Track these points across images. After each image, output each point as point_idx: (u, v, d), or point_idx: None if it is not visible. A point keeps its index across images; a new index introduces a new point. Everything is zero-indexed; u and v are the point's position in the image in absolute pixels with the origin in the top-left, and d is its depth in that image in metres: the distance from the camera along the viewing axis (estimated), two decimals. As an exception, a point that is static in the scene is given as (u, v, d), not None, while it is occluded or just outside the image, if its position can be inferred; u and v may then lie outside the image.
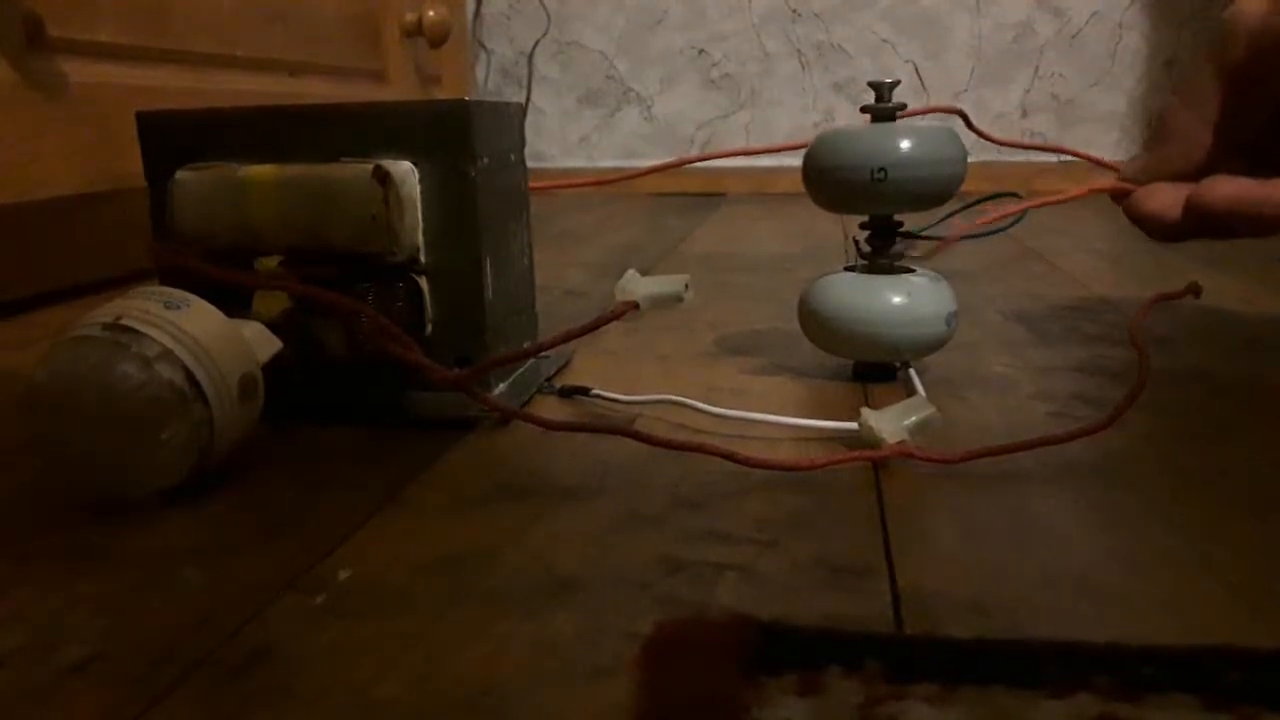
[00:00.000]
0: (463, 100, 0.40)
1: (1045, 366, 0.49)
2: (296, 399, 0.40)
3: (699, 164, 1.65)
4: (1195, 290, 0.59)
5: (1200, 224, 0.44)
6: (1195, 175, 0.45)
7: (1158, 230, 0.46)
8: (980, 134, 0.50)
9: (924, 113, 0.49)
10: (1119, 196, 0.48)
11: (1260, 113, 0.45)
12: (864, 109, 0.46)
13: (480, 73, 1.75)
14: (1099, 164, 0.54)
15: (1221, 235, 0.45)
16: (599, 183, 0.55)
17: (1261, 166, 0.43)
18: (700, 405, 0.41)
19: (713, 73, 1.71)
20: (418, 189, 0.40)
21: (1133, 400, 0.36)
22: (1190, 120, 0.47)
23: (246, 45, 0.93)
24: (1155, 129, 0.48)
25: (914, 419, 0.36)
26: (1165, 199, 0.45)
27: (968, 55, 1.62)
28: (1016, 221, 0.45)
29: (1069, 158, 1.58)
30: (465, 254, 0.41)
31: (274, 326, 0.37)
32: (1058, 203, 0.48)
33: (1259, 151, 0.46)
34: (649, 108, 1.73)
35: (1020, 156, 1.64)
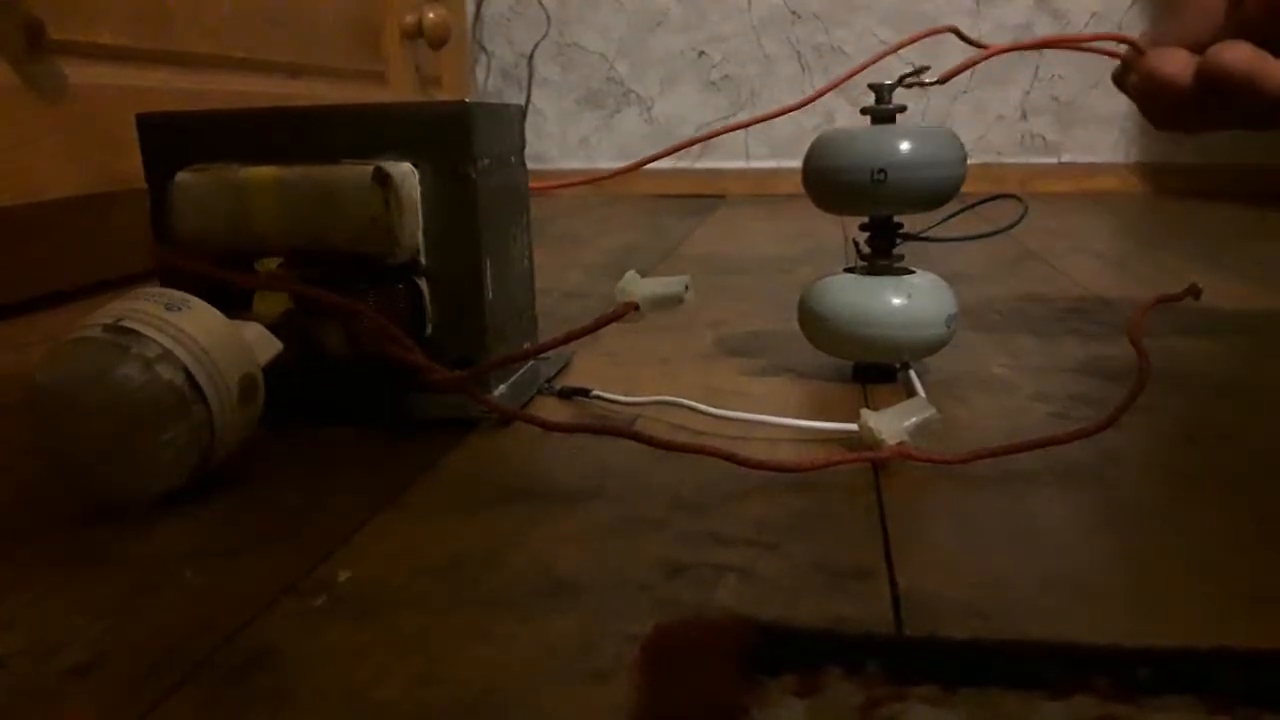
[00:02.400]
0: (463, 102, 0.40)
1: (1045, 367, 0.49)
2: (297, 400, 0.40)
3: (698, 166, 1.64)
4: (1195, 292, 0.59)
5: (1211, 91, 0.42)
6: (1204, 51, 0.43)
7: (1165, 94, 0.44)
8: (976, 44, 0.49)
9: (918, 39, 0.48)
10: (1123, 72, 0.47)
11: None
12: (864, 110, 0.46)
13: (480, 74, 1.75)
14: (1118, 40, 0.51)
15: (1222, 116, 0.43)
16: (596, 179, 0.55)
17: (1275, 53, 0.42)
18: (700, 407, 0.41)
19: (713, 74, 1.71)
20: (418, 191, 0.40)
21: (1132, 401, 0.36)
22: None
23: (247, 47, 0.93)
24: (1168, 1, 0.47)
25: (914, 420, 0.36)
26: (1178, 61, 0.43)
27: (967, 55, 1.62)
28: (1020, 219, 0.45)
29: (1070, 158, 1.57)
30: (465, 256, 0.41)
31: (274, 328, 0.37)
32: (1070, 46, 0.46)
33: (1273, 38, 0.44)
34: (649, 109, 1.73)
35: (1020, 158, 1.64)
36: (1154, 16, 0.50)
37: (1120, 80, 0.47)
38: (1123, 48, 0.46)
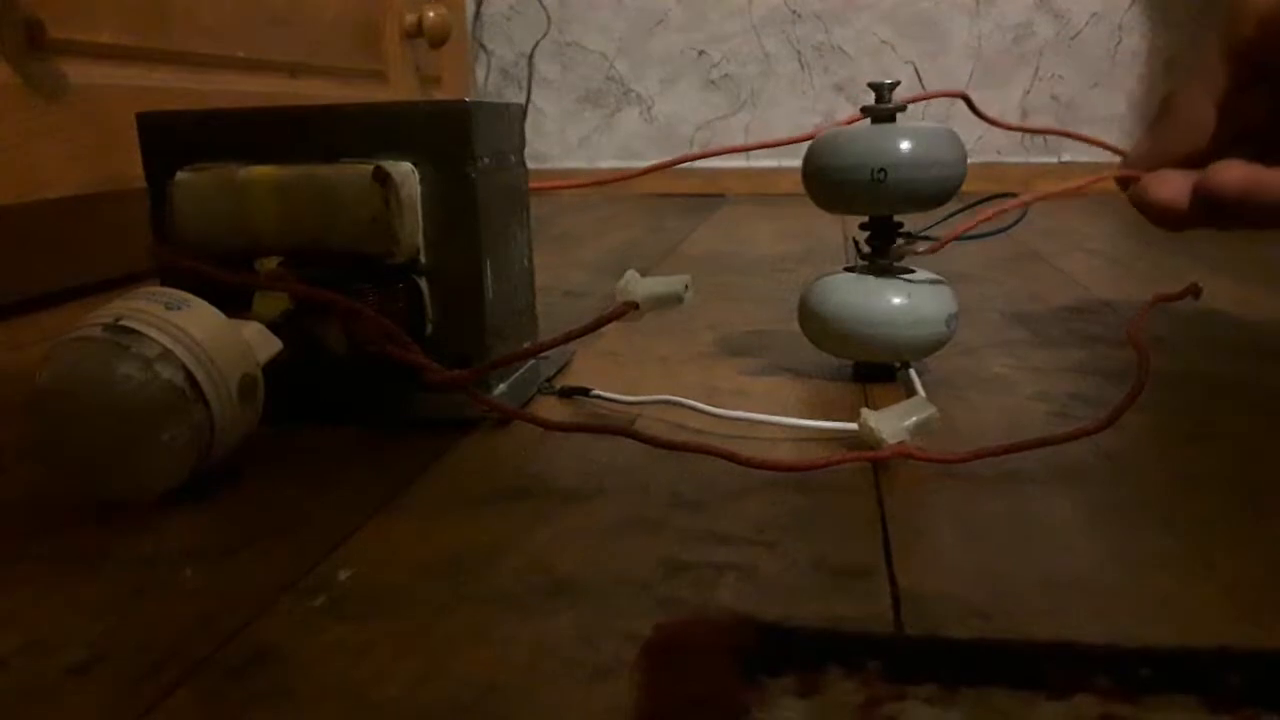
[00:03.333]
0: (463, 101, 0.40)
1: (1045, 367, 0.49)
2: (296, 399, 0.40)
3: (699, 164, 1.64)
4: (1195, 291, 0.59)
5: (1209, 210, 0.43)
6: (1199, 160, 0.44)
7: (1165, 218, 0.45)
8: (987, 119, 0.49)
9: (928, 98, 0.48)
10: (1124, 183, 0.47)
11: (1268, 96, 0.44)
12: (864, 110, 0.46)
13: (480, 74, 1.75)
14: (1104, 146, 0.52)
15: (1228, 224, 0.44)
16: (599, 183, 0.55)
17: (1267, 155, 0.42)
18: (700, 406, 0.41)
19: (713, 74, 1.71)
20: (418, 190, 0.40)
21: (1132, 401, 0.36)
22: (1195, 101, 0.45)
23: (247, 46, 0.93)
24: (1159, 110, 0.47)
25: (914, 420, 0.36)
26: (1173, 186, 0.44)
27: (967, 56, 1.63)
28: (1020, 219, 0.45)
29: (1070, 158, 1.58)
30: (465, 255, 0.41)
31: (274, 327, 0.37)
32: (1064, 195, 0.47)
33: (1265, 139, 0.44)
34: (649, 109, 1.73)
35: (1020, 158, 1.64)
36: (1148, 124, 0.50)
37: (1123, 186, 0.48)
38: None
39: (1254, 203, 0.41)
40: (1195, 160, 0.45)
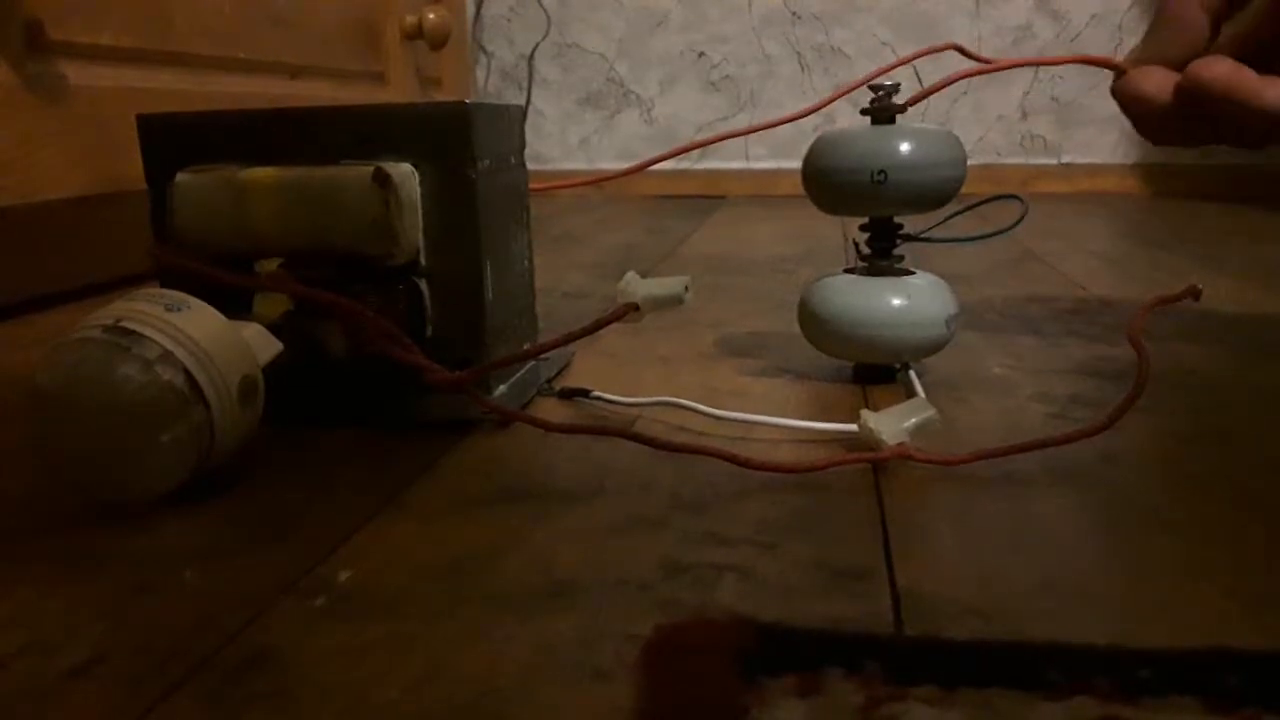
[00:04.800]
0: (463, 103, 0.40)
1: (1044, 368, 0.49)
2: (297, 401, 0.40)
3: (699, 165, 1.64)
4: (1194, 293, 0.59)
5: (1192, 104, 0.42)
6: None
7: (1146, 114, 0.45)
8: (979, 59, 0.49)
9: (919, 56, 0.48)
10: (1115, 75, 0.47)
11: (1261, 13, 0.43)
12: (864, 111, 0.46)
13: (480, 75, 1.76)
14: (1099, 63, 0.51)
15: (1206, 131, 0.43)
16: (597, 180, 0.55)
17: (1260, 70, 0.41)
18: (700, 407, 0.41)
19: (713, 75, 1.71)
20: (418, 191, 0.40)
21: (1131, 402, 0.36)
22: (1190, 8, 0.45)
23: (247, 48, 0.93)
24: (1154, 17, 0.47)
25: (914, 421, 0.36)
26: (1159, 80, 0.44)
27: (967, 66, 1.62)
28: (1020, 220, 0.45)
29: (1070, 159, 1.58)
30: (465, 256, 0.41)
31: (274, 328, 0.37)
32: (1051, 63, 0.47)
33: (1259, 54, 0.43)
34: (649, 110, 1.73)
35: (1020, 159, 1.64)
36: (1145, 32, 0.50)
37: (1115, 93, 0.47)
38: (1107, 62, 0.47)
39: (1235, 99, 0.40)
40: (1188, 64, 0.44)
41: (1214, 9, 0.45)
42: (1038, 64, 0.52)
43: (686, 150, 0.52)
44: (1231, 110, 0.41)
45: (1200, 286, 0.56)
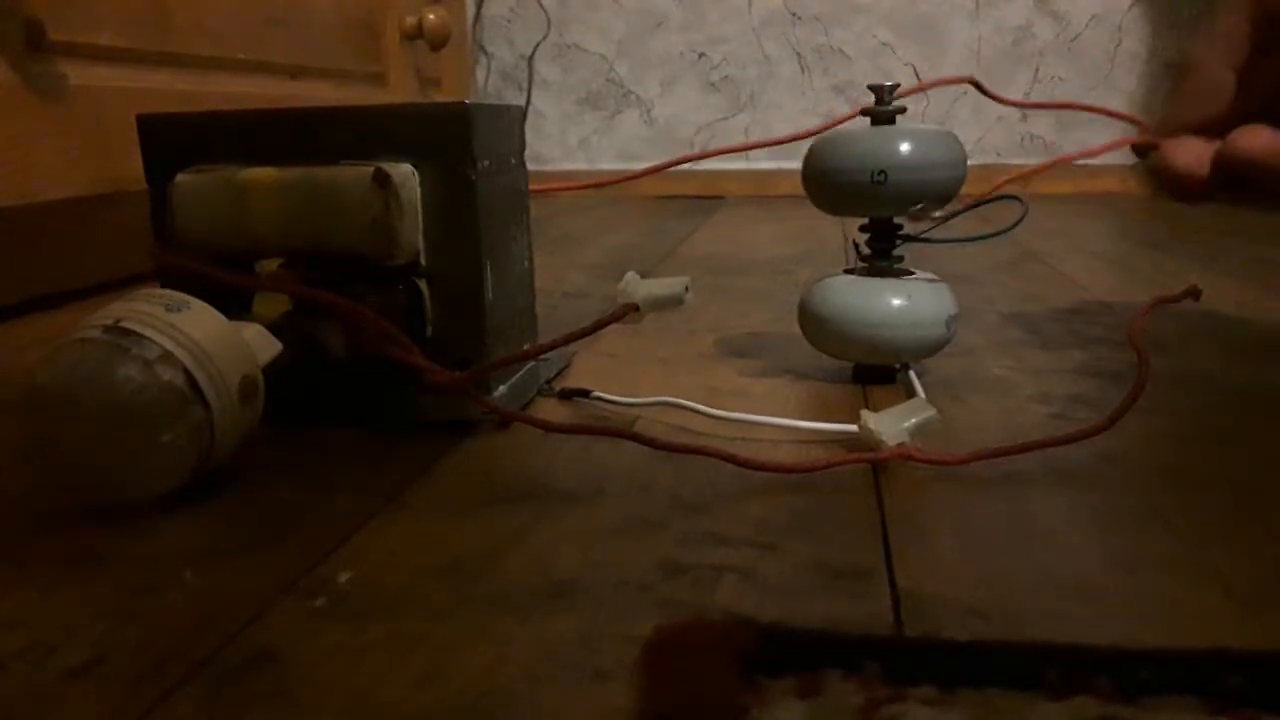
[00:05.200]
0: (463, 103, 0.40)
1: (1045, 369, 0.49)
2: (297, 401, 0.40)
3: (699, 167, 1.64)
4: (1194, 293, 0.59)
5: (1230, 176, 0.42)
6: (1219, 127, 0.43)
7: (1184, 185, 0.44)
8: (996, 98, 0.49)
9: (935, 85, 0.48)
10: (1142, 151, 0.47)
11: None
12: (864, 111, 0.46)
13: (480, 76, 1.76)
14: (1117, 116, 0.52)
15: (1246, 194, 0.43)
16: (598, 185, 0.55)
17: None
18: (700, 408, 0.41)
19: (713, 75, 1.71)
20: (418, 192, 0.40)
21: (1132, 402, 0.36)
22: (1214, 67, 0.45)
23: (247, 48, 0.93)
24: (1179, 78, 0.46)
25: (914, 421, 0.36)
26: (1193, 152, 0.43)
27: (967, 58, 1.63)
28: (1020, 220, 0.45)
29: (1074, 161, 1.58)
30: (465, 257, 0.41)
31: (274, 329, 0.37)
32: (1083, 156, 0.47)
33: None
34: (649, 110, 1.73)
35: (1020, 159, 1.64)
36: (1169, 93, 0.50)
37: (1139, 153, 0.47)
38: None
39: (1275, 170, 0.40)
40: (1215, 128, 0.43)
41: (1239, 65, 0.44)
42: (1061, 108, 0.52)
43: (689, 160, 0.53)
44: (1272, 179, 0.41)
45: (1200, 287, 0.56)
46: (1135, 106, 1.61)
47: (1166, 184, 0.45)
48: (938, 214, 0.45)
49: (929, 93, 1.62)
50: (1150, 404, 0.40)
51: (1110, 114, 0.52)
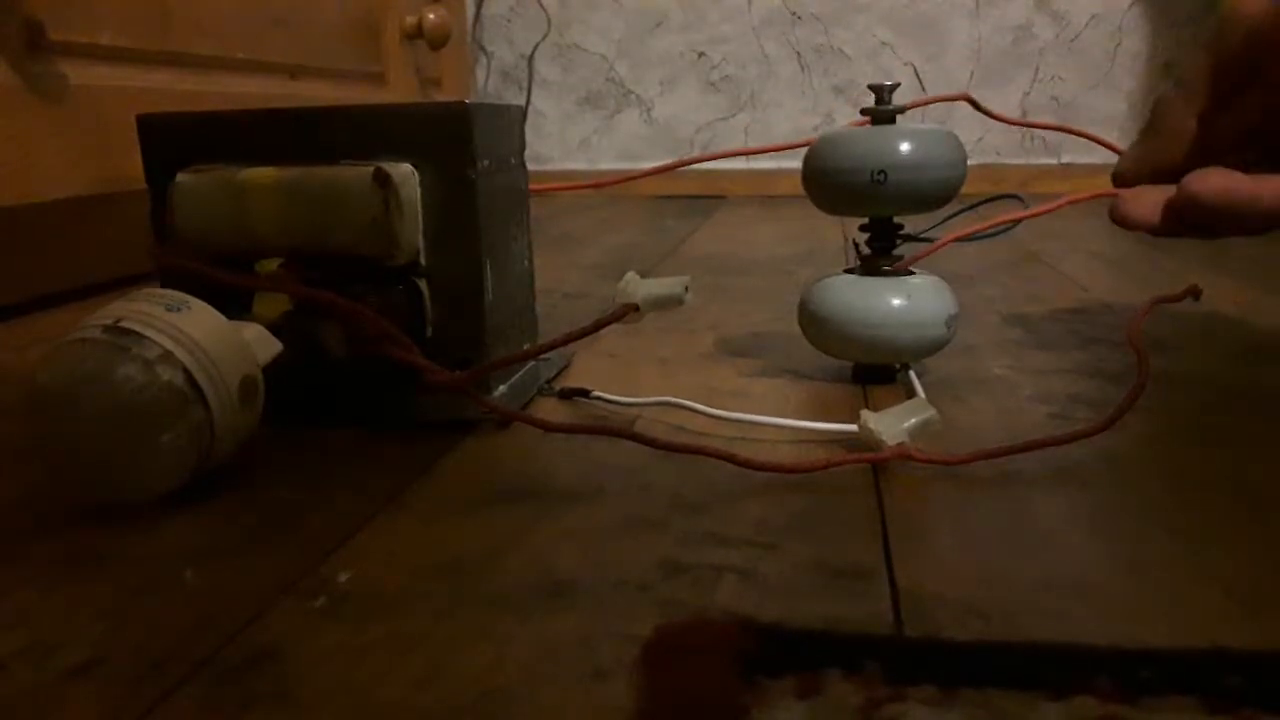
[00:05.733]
0: (463, 103, 0.40)
1: (1045, 369, 0.49)
2: (297, 401, 0.40)
3: (699, 166, 1.64)
4: (1194, 293, 0.59)
5: (1187, 218, 0.43)
6: (1183, 168, 0.44)
7: (1144, 232, 0.46)
8: (993, 116, 0.50)
9: (931, 102, 0.49)
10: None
11: (1252, 110, 0.45)
12: (864, 111, 0.46)
13: (480, 75, 1.76)
14: (1102, 144, 0.53)
15: (1207, 232, 0.44)
16: (598, 185, 0.55)
17: (1252, 167, 0.43)
18: (700, 407, 0.41)
19: (713, 75, 1.71)
20: (418, 192, 0.40)
21: (1132, 402, 0.36)
22: (1178, 112, 0.46)
23: (247, 48, 0.93)
24: (1149, 119, 0.48)
25: (914, 421, 0.36)
26: (1146, 204, 0.45)
27: (967, 58, 1.63)
28: (1013, 226, 0.46)
29: (1070, 159, 1.58)
30: (465, 256, 0.41)
31: (274, 329, 0.37)
32: (1056, 209, 0.48)
33: (1252, 150, 0.45)
34: (649, 110, 1.73)
35: (1020, 159, 1.64)
36: (1140, 132, 0.51)
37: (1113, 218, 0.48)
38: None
39: (1231, 212, 0.41)
40: (1180, 168, 0.45)
41: (1200, 112, 0.46)
42: (1052, 129, 0.53)
43: (693, 162, 0.53)
44: (1229, 221, 0.42)
45: (1200, 287, 0.56)
46: (1135, 106, 1.61)
47: (1128, 229, 0.47)
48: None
49: (929, 93, 1.62)
50: (1150, 404, 0.40)
51: (1097, 141, 0.53)
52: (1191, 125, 0.46)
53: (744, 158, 1.68)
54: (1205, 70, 0.46)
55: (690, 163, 0.54)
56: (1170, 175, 0.45)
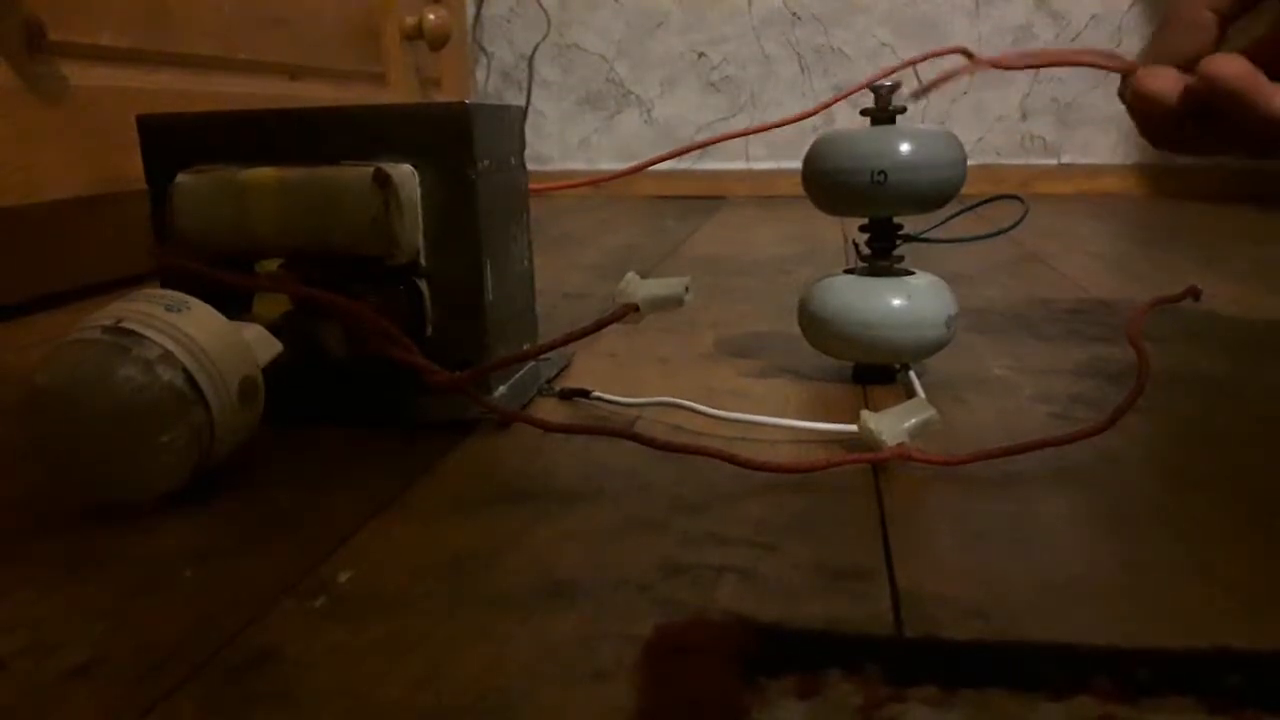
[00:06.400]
0: (463, 103, 0.40)
1: (1045, 369, 0.49)
2: (297, 401, 0.40)
3: (699, 166, 1.64)
4: (1194, 293, 0.59)
5: (1202, 102, 0.41)
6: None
7: (1154, 114, 0.44)
8: (992, 64, 0.49)
9: (925, 59, 0.48)
10: (1124, 77, 0.47)
11: (1273, 9, 0.43)
12: (864, 112, 0.46)
13: (480, 76, 1.76)
14: (1112, 68, 0.51)
15: (1211, 138, 0.43)
16: (595, 181, 0.55)
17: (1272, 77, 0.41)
18: (700, 408, 0.41)
19: (713, 75, 1.71)
20: (418, 192, 0.40)
21: (1131, 403, 0.36)
22: (1196, 7, 0.45)
23: (247, 48, 0.93)
24: (1162, 18, 0.47)
25: (914, 421, 0.36)
26: (1166, 79, 0.43)
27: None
28: (1020, 220, 0.45)
29: (1070, 159, 1.57)
30: (465, 257, 0.41)
31: (274, 329, 0.37)
32: (1061, 64, 0.47)
33: (1268, 64, 0.42)
34: (649, 110, 1.73)
35: (1019, 159, 1.64)
36: (1154, 31, 0.50)
37: (1122, 95, 0.47)
38: (1115, 64, 0.46)
39: (1246, 100, 0.40)
40: (1193, 65, 0.43)
41: (1222, 10, 0.44)
42: (1044, 65, 0.51)
43: (687, 150, 0.52)
44: (1240, 112, 0.40)
45: (1200, 288, 0.56)
46: (1135, 106, 1.61)
47: (1138, 112, 0.45)
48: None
49: (929, 93, 1.62)
50: (1150, 404, 0.40)
51: (1101, 65, 0.51)
52: (1210, 20, 0.44)
53: (745, 159, 1.68)
54: None
55: (691, 149, 0.54)
56: (1187, 70, 0.43)
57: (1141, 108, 0.45)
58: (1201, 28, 0.44)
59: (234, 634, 0.25)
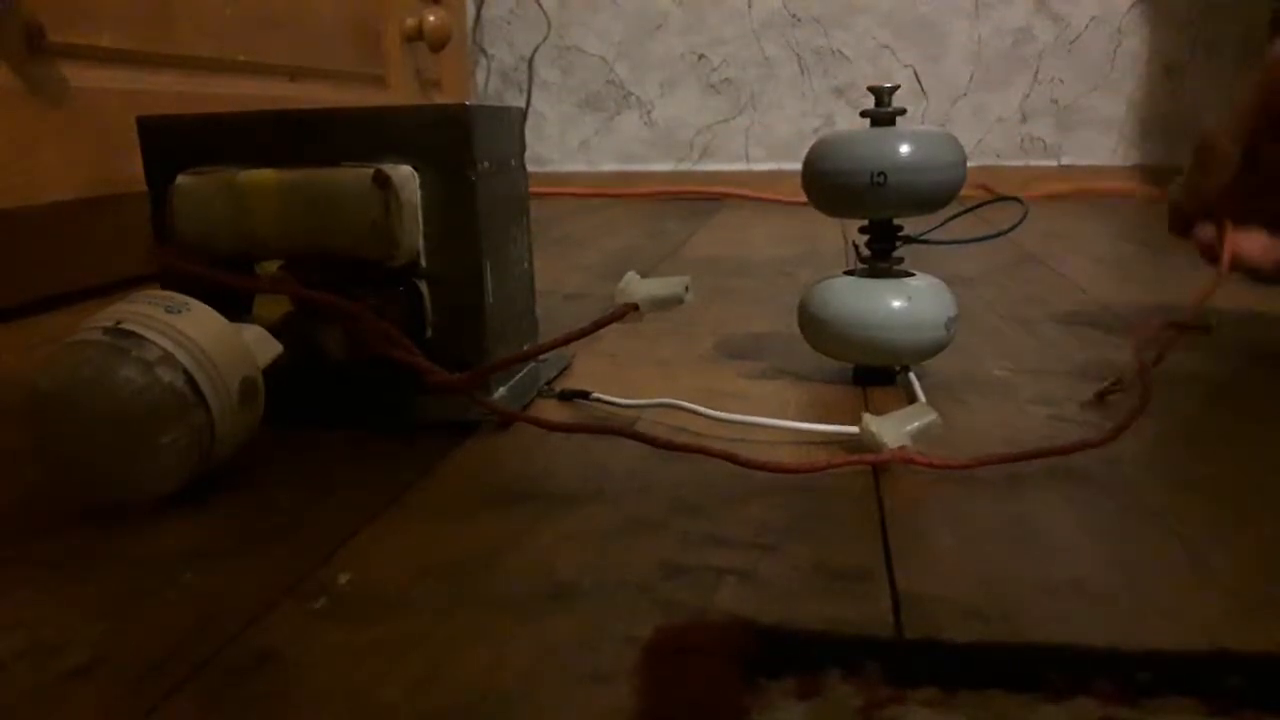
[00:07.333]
0: (463, 105, 0.40)
1: (1044, 370, 0.49)
2: (297, 403, 0.40)
3: (699, 168, 1.63)
4: (1205, 328, 0.59)
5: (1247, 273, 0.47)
6: (1229, 196, 0.49)
7: (1252, 273, 0.50)
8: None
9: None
10: (1176, 221, 0.52)
11: None
12: (863, 113, 0.46)
13: (480, 77, 1.76)
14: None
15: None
16: (600, 194, 0.55)
17: None
18: (700, 409, 0.41)
19: (713, 77, 1.71)
20: (418, 194, 0.40)
21: (1135, 416, 0.36)
22: (1222, 143, 0.50)
23: (247, 50, 0.93)
24: (1195, 152, 0.51)
25: (916, 425, 0.36)
26: (1261, 244, 0.49)
27: (967, 60, 1.63)
28: (1020, 221, 0.45)
29: (1069, 161, 1.57)
30: (465, 258, 0.41)
31: (274, 330, 0.37)
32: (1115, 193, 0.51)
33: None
34: (649, 112, 1.73)
35: (1019, 161, 1.65)
36: (1189, 164, 0.55)
37: (1178, 230, 0.53)
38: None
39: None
40: (1226, 195, 0.49)
41: (1245, 143, 0.49)
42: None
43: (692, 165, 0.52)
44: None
45: (1212, 324, 0.55)
46: (1135, 108, 1.61)
47: (1232, 267, 0.50)
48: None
49: (929, 95, 1.62)
50: (1151, 406, 0.40)
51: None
52: (1235, 153, 0.49)
53: (745, 160, 1.69)
54: (1250, 109, 0.49)
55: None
56: (1220, 202, 0.49)
57: (1239, 266, 0.50)
58: (1231, 165, 0.50)
59: (234, 635, 0.25)
